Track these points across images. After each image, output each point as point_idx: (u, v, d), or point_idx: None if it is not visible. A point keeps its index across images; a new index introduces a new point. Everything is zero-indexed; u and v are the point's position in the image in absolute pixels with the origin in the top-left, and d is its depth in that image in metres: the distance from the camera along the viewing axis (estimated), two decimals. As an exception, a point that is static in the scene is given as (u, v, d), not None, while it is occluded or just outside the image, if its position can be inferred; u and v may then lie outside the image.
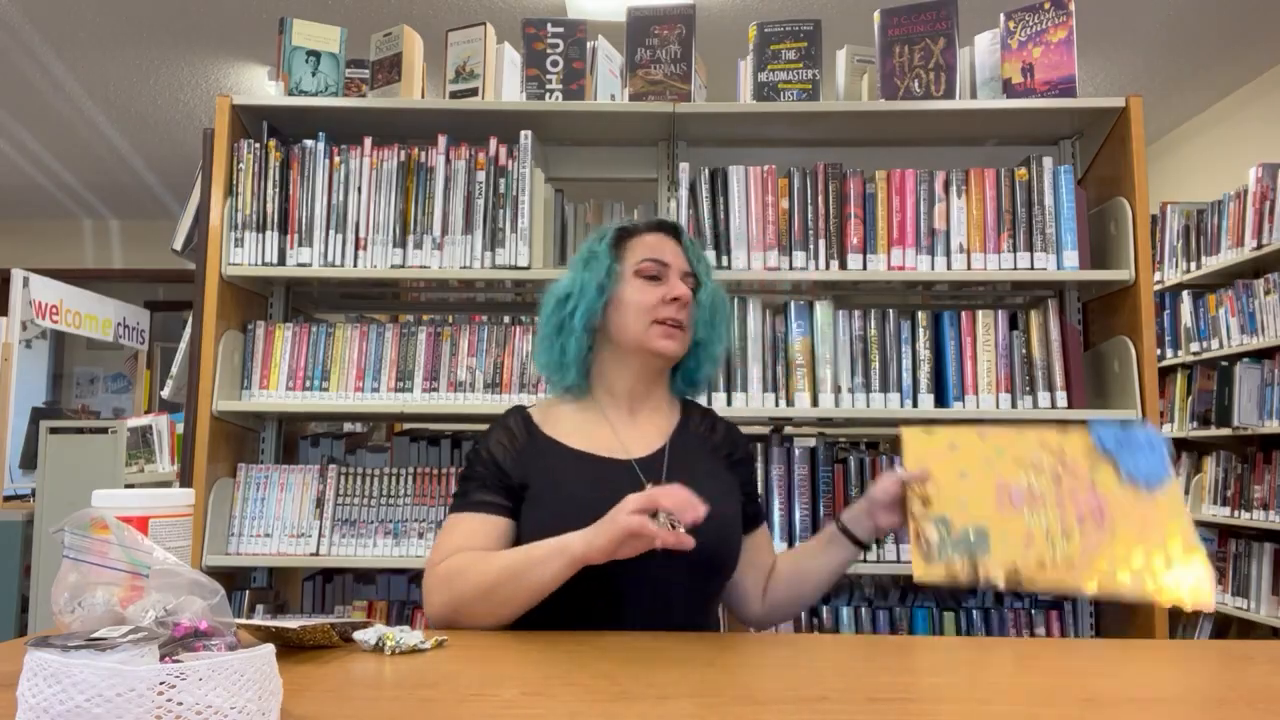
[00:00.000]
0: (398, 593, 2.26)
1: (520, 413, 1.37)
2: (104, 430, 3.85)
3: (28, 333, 5.44)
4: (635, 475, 1.26)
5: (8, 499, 4.27)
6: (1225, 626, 3.73)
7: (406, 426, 2.58)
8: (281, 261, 2.11)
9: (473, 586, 1.14)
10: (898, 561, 2.03)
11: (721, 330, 1.41)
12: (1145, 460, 1.10)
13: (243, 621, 0.91)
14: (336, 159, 2.14)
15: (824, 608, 2.13)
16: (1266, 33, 3.81)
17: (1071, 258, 2.08)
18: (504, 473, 1.28)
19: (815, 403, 2.08)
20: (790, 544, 2.04)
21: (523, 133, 2.13)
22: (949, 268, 2.09)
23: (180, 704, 0.57)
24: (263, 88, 4.31)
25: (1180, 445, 3.98)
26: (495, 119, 2.20)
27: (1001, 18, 2.17)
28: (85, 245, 6.71)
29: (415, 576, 2.28)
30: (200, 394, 2.03)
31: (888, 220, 2.11)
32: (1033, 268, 2.08)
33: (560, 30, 2.21)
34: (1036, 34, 2.14)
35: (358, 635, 1.00)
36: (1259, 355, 3.49)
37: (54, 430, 3.78)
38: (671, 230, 1.41)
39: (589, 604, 1.16)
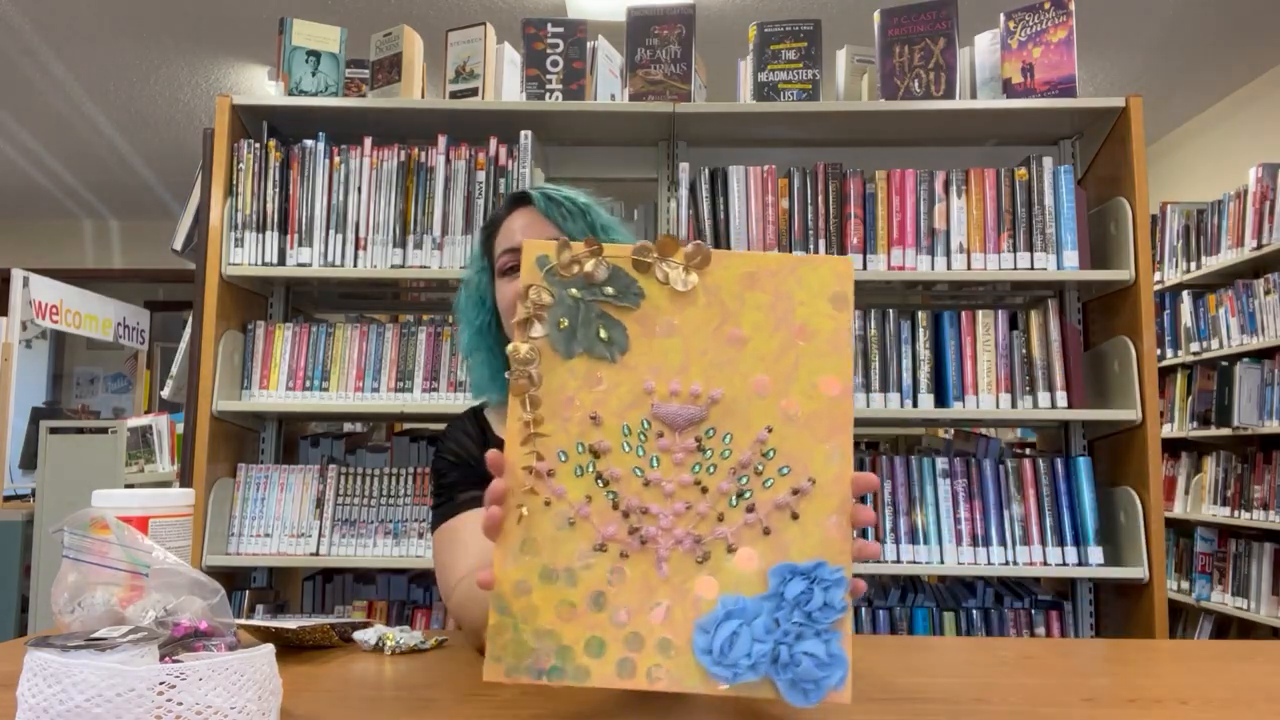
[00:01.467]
0: (398, 593, 2.26)
1: (474, 413, 1.30)
2: (104, 430, 3.85)
3: (28, 333, 5.44)
4: None
5: (8, 499, 4.27)
6: (1225, 626, 3.73)
7: (406, 426, 2.58)
8: (281, 261, 2.11)
9: (481, 618, 1.03)
10: (898, 561, 2.03)
11: None
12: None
13: (243, 622, 0.90)
14: (336, 159, 2.14)
15: (824, 608, 2.12)
16: (1266, 33, 3.81)
17: (1071, 258, 2.08)
18: (474, 465, 1.20)
19: (815, 403, 2.07)
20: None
21: (523, 133, 2.13)
22: (949, 268, 2.09)
23: (180, 704, 0.57)
24: (263, 88, 4.31)
25: (1180, 445, 3.98)
26: (495, 119, 2.20)
27: (1001, 18, 2.17)
28: (85, 245, 6.70)
29: (415, 577, 2.28)
30: (200, 394, 2.03)
31: (888, 220, 2.11)
32: (1033, 268, 2.08)
33: (560, 30, 2.21)
34: (1036, 34, 2.14)
35: (358, 635, 1.00)
36: (1259, 355, 3.49)
37: (54, 430, 3.78)
38: (523, 200, 1.23)
39: None
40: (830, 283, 0.74)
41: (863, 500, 0.78)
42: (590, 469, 0.72)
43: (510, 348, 0.73)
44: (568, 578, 0.71)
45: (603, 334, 0.74)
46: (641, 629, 0.70)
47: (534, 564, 0.71)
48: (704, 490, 0.72)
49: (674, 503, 0.72)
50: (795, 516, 0.71)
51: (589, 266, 0.74)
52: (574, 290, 0.74)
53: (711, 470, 0.72)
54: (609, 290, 0.74)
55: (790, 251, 2.11)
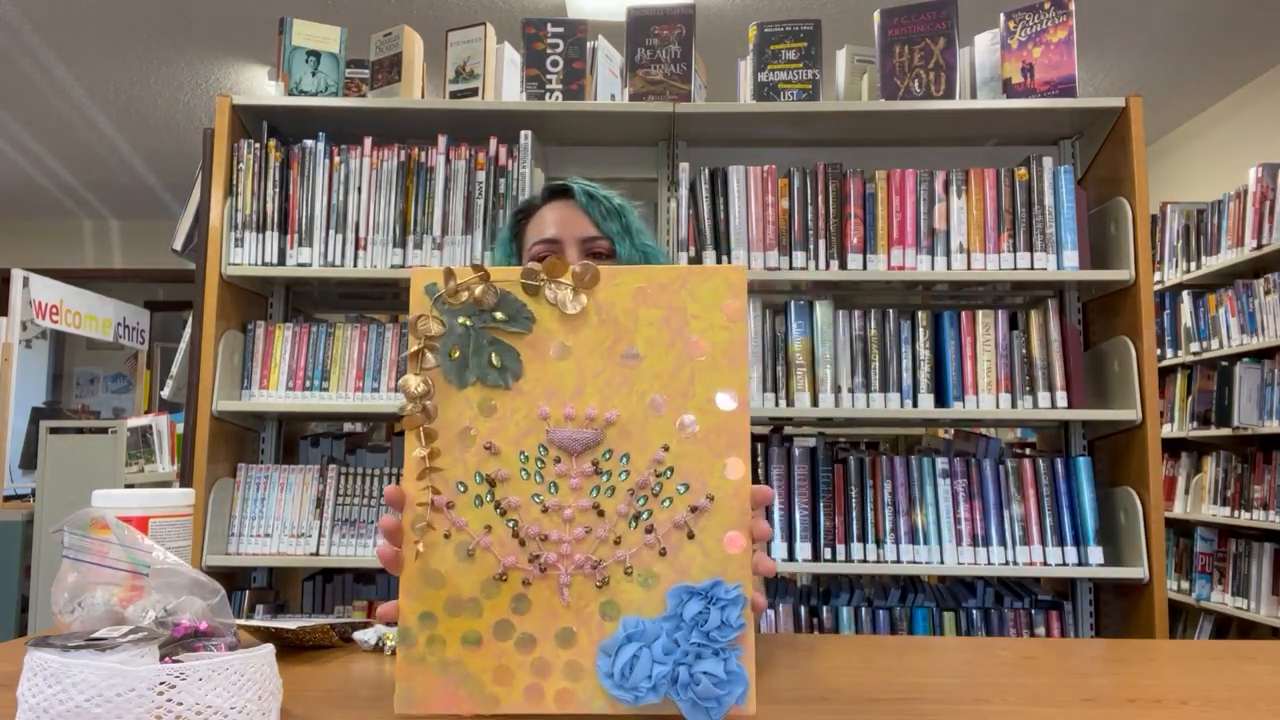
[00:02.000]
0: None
1: None
2: (104, 430, 3.85)
3: (28, 333, 5.44)
4: None
5: (8, 499, 4.27)
6: (1225, 626, 3.73)
7: (406, 426, 2.58)
8: (281, 261, 2.11)
9: None
10: (898, 561, 2.03)
11: None
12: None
13: (243, 622, 0.90)
14: (336, 159, 2.14)
15: (824, 608, 2.13)
16: (1266, 33, 3.81)
17: (1071, 258, 2.08)
18: None
19: (815, 403, 2.08)
20: (790, 544, 2.04)
21: (523, 133, 2.13)
22: (949, 268, 2.09)
23: (180, 704, 0.57)
24: (263, 88, 4.31)
25: (1180, 445, 3.98)
26: (495, 119, 2.20)
27: (1001, 18, 2.17)
28: (85, 245, 6.71)
29: (415, 576, 2.28)
30: (200, 394, 2.04)
31: (888, 220, 2.11)
32: (1033, 268, 2.08)
33: (560, 30, 2.21)
34: (1036, 34, 2.14)
35: (358, 635, 1.00)
36: (1259, 355, 3.49)
37: (54, 430, 3.78)
38: (563, 193, 1.21)
39: None
40: (723, 293, 0.72)
41: (768, 513, 0.77)
42: (489, 498, 0.71)
43: (401, 382, 0.73)
44: (472, 608, 0.71)
45: (495, 361, 0.72)
46: (548, 655, 0.70)
47: (437, 597, 0.71)
48: (601, 514, 0.72)
49: (573, 528, 0.71)
50: (692, 536, 0.70)
51: (477, 293, 0.73)
52: (464, 318, 0.73)
53: (609, 493, 0.72)
54: (499, 316, 0.73)
55: (790, 252, 2.11)
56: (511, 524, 0.71)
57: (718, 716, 0.68)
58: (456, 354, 0.73)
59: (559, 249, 1.17)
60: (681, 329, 0.73)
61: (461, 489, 0.72)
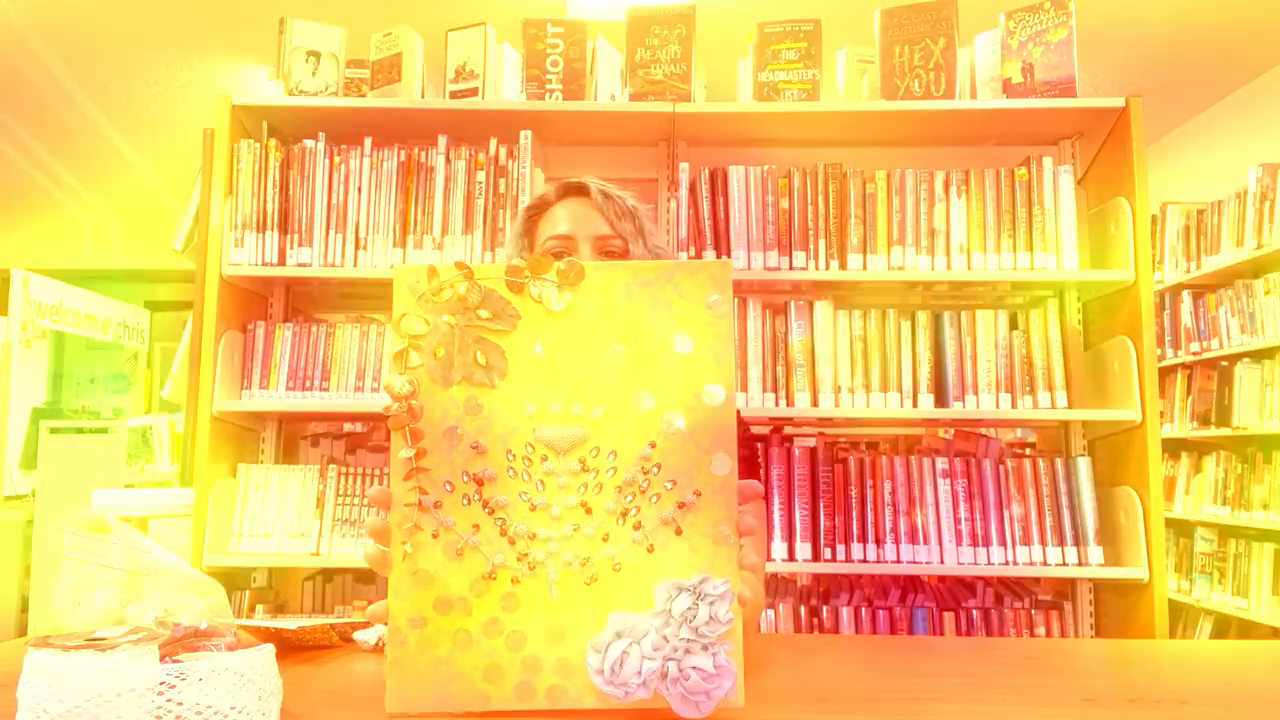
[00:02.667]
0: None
1: None
2: (104, 430, 3.85)
3: (28, 333, 5.44)
4: None
5: (8, 499, 4.27)
6: (1225, 626, 3.73)
7: (406, 426, 2.57)
8: (281, 261, 2.11)
9: None
10: (898, 561, 2.03)
11: None
12: None
13: (243, 622, 0.91)
14: (336, 159, 2.14)
15: (824, 608, 2.13)
16: (1266, 34, 3.81)
17: (1071, 258, 2.08)
18: None
19: (815, 403, 2.08)
20: (790, 544, 2.04)
21: (523, 133, 2.13)
22: (949, 268, 2.09)
23: (180, 704, 0.57)
24: (263, 88, 4.31)
25: (1180, 445, 3.98)
26: (495, 119, 2.20)
27: (1001, 18, 2.17)
28: (85, 245, 6.70)
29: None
30: (200, 394, 2.04)
31: (888, 220, 2.11)
32: (1033, 268, 2.08)
33: (560, 30, 2.21)
34: (1036, 34, 2.14)
35: (358, 635, 1.00)
36: (1259, 355, 3.49)
37: (54, 430, 3.78)
38: (578, 190, 1.22)
39: None
40: (709, 288, 0.72)
41: (768, 510, 0.78)
42: (476, 497, 0.71)
43: (386, 382, 0.72)
44: (462, 607, 0.71)
45: (480, 359, 0.72)
46: (538, 652, 0.70)
47: (426, 596, 0.71)
48: (589, 511, 0.71)
49: (562, 526, 0.71)
50: (679, 532, 0.71)
51: (461, 290, 0.72)
52: (448, 317, 0.72)
53: (598, 490, 0.72)
54: (484, 314, 0.72)
55: (790, 252, 2.11)
56: (499, 522, 0.71)
57: (707, 710, 0.68)
58: (441, 352, 0.72)
59: (572, 245, 1.17)
60: (667, 324, 0.72)
61: (449, 488, 0.71)
